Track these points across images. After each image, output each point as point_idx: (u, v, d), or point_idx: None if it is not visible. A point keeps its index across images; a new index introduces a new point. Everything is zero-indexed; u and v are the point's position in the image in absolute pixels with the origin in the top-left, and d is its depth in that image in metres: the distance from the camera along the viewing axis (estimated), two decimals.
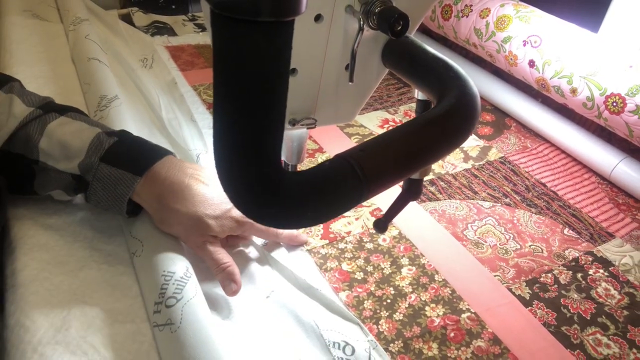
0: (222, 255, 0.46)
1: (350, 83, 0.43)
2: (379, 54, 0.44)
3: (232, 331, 0.44)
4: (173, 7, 0.53)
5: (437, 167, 0.70)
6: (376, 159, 0.30)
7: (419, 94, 0.44)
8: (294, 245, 0.54)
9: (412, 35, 0.44)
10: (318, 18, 0.39)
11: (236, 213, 0.48)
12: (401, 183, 0.42)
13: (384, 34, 0.38)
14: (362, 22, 0.39)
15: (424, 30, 0.98)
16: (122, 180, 0.45)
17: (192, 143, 0.64)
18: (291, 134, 0.48)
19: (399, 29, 0.37)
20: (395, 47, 0.42)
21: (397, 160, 0.31)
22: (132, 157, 0.47)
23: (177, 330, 0.39)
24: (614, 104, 0.60)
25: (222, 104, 0.23)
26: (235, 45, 0.20)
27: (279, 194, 0.26)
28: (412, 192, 0.38)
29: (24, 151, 0.47)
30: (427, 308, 0.49)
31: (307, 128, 0.46)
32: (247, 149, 0.24)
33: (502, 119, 0.81)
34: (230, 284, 0.45)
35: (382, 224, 0.38)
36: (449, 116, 0.33)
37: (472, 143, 0.75)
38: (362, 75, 0.45)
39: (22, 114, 0.48)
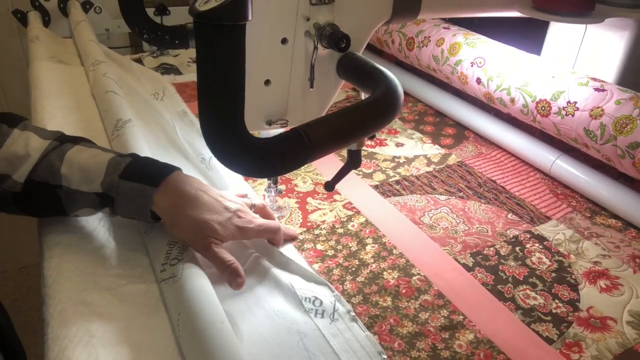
0: (226, 255, 0.53)
1: (311, 89, 0.55)
2: (334, 68, 0.56)
3: (219, 291, 0.54)
4: (177, 42, 0.66)
5: (403, 170, 0.81)
6: (319, 130, 0.42)
7: (363, 96, 0.56)
8: (287, 240, 0.62)
9: (361, 53, 0.57)
10: (284, 41, 0.52)
11: (238, 221, 0.54)
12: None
13: (334, 50, 0.51)
14: (316, 43, 0.52)
15: (397, 62, 1.12)
16: (141, 192, 0.52)
17: (202, 150, 0.76)
18: (269, 134, 0.60)
19: (343, 45, 0.50)
20: (345, 61, 0.55)
21: (335, 132, 0.42)
22: (147, 172, 0.54)
23: (179, 281, 0.50)
24: (543, 108, 0.73)
25: (201, 83, 0.35)
26: (209, 40, 0.33)
27: (244, 150, 0.38)
28: (353, 162, 0.49)
29: (47, 179, 0.53)
30: (384, 273, 0.60)
31: (281, 127, 0.58)
32: (220, 115, 0.36)
33: (462, 132, 0.93)
34: (236, 279, 0.52)
35: (330, 184, 0.49)
36: (375, 104, 0.45)
37: (434, 151, 0.87)
38: (323, 85, 0.57)
39: (43, 146, 0.54)
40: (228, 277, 0.52)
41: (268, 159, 0.39)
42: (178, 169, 0.56)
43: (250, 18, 0.33)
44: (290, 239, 0.63)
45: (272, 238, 0.60)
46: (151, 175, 0.54)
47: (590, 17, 0.55)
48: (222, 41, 0.33)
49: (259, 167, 0.39)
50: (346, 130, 0.43)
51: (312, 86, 0.55)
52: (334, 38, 0.50)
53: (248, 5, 0.33)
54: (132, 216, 0.55)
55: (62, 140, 0.57)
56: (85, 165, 0.54)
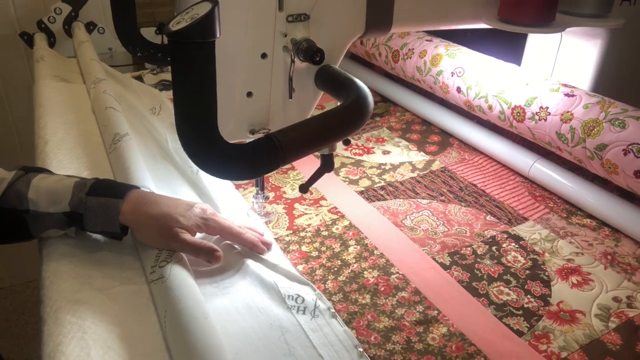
0: (195, 239, 0.56)
1: (290, 100, 0.59)
2: (312, 80, 0.60)
3: (207, 291, 0.58)
4: (169, 59, 0.70)
5: (388, 176, 0.85)
6: (291, 135, 0.45)
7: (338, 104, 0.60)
8: (255, 251, 0.62)
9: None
10: (264, 56, 0.56)
11: (201, 213, 0.58)
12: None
13: (309, 63, 0.55)
14: (293, 57, 0.56)
15: (386, 74, 1.16)
16: (108, 205, 0.56)
17: (191, 162, 0.80)
18: None
19: (317, 59, 0.54)
20: (322, 73, 0.59)
21: (306, 137, 0.46)
22: (111, 189, 0.59)
23: (166, 281, 0.53)
24: (518, 114, 0.76)
25: (177, 94, 0.38)
26: (181, 57, 0.37)
27: (219, 155, 0.41)
28: (326, 165, 0.53)
29: (14, 205, 0.56)
30: (365, 273, 0.63)
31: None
32: (196, 123, 0.39)
33: (447, 139, 0.97)
34: (213, 254, 0.56)
35: (304, 187, 0.52)
36: (345, 110, 0.49)
37: (419, 158, 0.91)
38: (302, 96, 0.61)
39: (9, 175, 0.58)
40: (205, 256, 0.56)
41: (242, 163, 0.43)
42: (138, 187, 0.61)
43: (218, 35, 0.37)
44: (258, 252, 0.63)
45: (238, 238, 0.61)
46: (115, 191, 0.58)
47: (551, 27, 0.59)
48: (194, 56, 0.37)
49: (234, 171, 0.43)
50: (317, 136, 0.47)
51: (290, 97, 0.58)
52: (309, 52, 0.54)
53: (216, 24, 0.36)
54: (101, 230, 0.59)
55: (27, 170, 0.61)
56: (52, 188, 0.58)
